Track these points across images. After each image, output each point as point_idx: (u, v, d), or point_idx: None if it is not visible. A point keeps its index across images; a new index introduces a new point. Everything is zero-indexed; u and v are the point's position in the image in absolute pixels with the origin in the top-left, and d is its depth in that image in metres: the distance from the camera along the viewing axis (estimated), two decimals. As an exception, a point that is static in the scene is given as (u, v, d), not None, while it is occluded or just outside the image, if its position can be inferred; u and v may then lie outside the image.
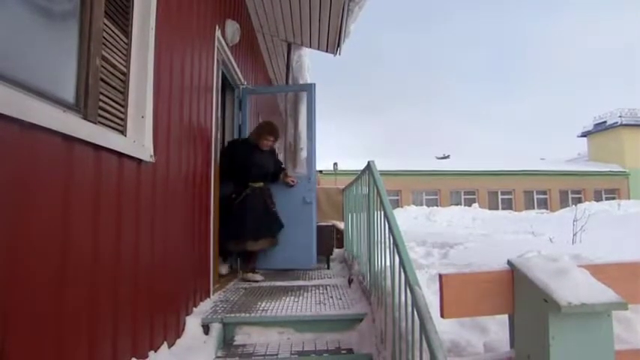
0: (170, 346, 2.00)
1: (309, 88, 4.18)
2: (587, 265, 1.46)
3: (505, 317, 1.60)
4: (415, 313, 1.40)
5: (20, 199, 1.03)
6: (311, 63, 5.69)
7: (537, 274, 1.37)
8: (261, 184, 3.65)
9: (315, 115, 4.07)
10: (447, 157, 26.56)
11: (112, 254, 1.48)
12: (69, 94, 1.35)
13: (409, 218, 12.54)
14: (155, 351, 1.83)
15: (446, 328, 1.98)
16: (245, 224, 3.44)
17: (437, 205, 17.42)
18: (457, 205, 17.08)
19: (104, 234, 1.43)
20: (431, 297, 2.08)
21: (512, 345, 1.53)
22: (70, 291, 1.23)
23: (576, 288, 1.27)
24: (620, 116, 21.52)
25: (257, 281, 3.42)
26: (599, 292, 1.27)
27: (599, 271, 1.42)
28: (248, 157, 3.57)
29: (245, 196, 3.53)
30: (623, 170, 20.87)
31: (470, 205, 16.13)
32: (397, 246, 1.75)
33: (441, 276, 1.46)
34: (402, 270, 1.64)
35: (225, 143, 3.88)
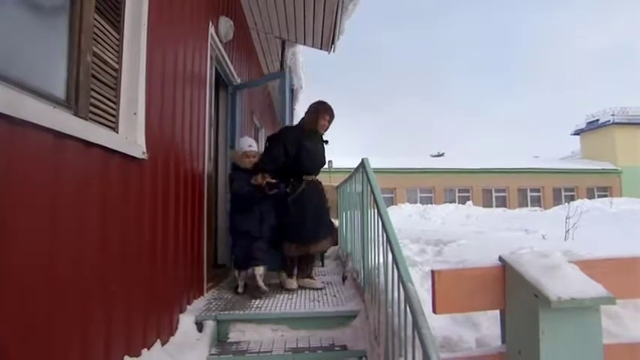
0: (163, 343, 1.99)
1: (282, 75, 4.04)
2: (578, 261, 1.48)
3: (497, 313, 1.62)
4: (408, 309, 1.41)
5: (9, 197, 1.02)
6: (306, 60, 5.69)
7: (528, 270, 1.39)
8: (315, 177, 3.17)
9: (290, 102, 3.99)
10: (442, 154, 26.65)
11: (102, 252, 1.47)
12: (59, 91, 1.34)
13: (404, 216, 12.57)
14: (148, 349, 1.83)
15: (439, 324, 1.99)
16: (306, 224, 2.96)
17: (431, 203, 17.47)
18: (451, 202, 17.14)
19: (95, 231, 1.42)
20: (424, 294, 2.10)
21: (503, 340, 1.54)
22: (60, 289, 1.22)
23: (566, 283, 1.29)
24: (612, 115, 21.68)
25: (318, 288, 2.99)
26: (588, 287, 1.29)
27: (589, 266, 1.44)
28: (301, 144, 3.04)
29: (302, 192, 3.03)
30: (615, 168, 21.07)
31: (464, 203, 16.18)
32: (390, 243, 1.75)
33: (433, 272, 1.47)
34: (395, 267, 1.64)
35: (219, 141, 3.86)
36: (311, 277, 3.13)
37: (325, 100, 3.24)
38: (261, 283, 2.81)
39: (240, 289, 2.92)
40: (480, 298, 1.49)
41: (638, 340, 1.56)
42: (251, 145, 3.07)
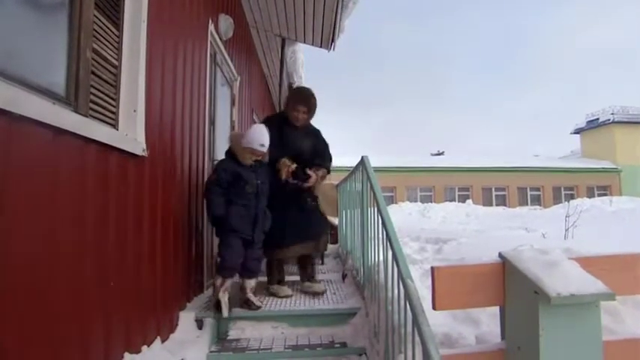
0: (163, 340, 2.00)
1: None
2: (577, 258, 1.48)
3: (497, 311, 1.62)
4: (408, 306, 1.41)
5: (8, 193, 1.02)
6: (306, 58, 5.68)
7: (528, 266, 1.38)
8: None
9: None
10: (442, 153, 26.61)
11: (102, 248, 1.47)
12: (59, 87, 1.34)
13: (404, 214, 12.58)
14: (148, 346, 1.83)
15: (439, 321, 1.99)
16: (276, 225, 2.59)
17: (431, 202, 17.48)
18: (451, 201, 17.15)
19: (94, 228, 1.42)
20: (424, 291, 2.09)
21: (503, 336, 1.55)
22: (59, 286, 1.22)
23: (566, 279, 1.29)
24: (612, 113, 21.67)
25: (288, 296, 2.69)
26: (588, 284, 1.29)
27: (588, 263, 1.44)
28: (277, 135, 2.62)
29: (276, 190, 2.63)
30: (615, 167, 21.05)
31: (464, 202, 16.20)
32: (390, 239, 1.75)
33: (433, 268, 1.47)
34: (395, 264, 1.64)
35: (218, 138, 3.85)
36: (280, 283, 2.82)
37: (307, 88, 2.87)
38: (252, 296, 2.46)
39: (224, 312, 2.30)
40: (479, 295, 1.49)
41: (638, 337, 1.56)
42: (263, 144, 2.45)
